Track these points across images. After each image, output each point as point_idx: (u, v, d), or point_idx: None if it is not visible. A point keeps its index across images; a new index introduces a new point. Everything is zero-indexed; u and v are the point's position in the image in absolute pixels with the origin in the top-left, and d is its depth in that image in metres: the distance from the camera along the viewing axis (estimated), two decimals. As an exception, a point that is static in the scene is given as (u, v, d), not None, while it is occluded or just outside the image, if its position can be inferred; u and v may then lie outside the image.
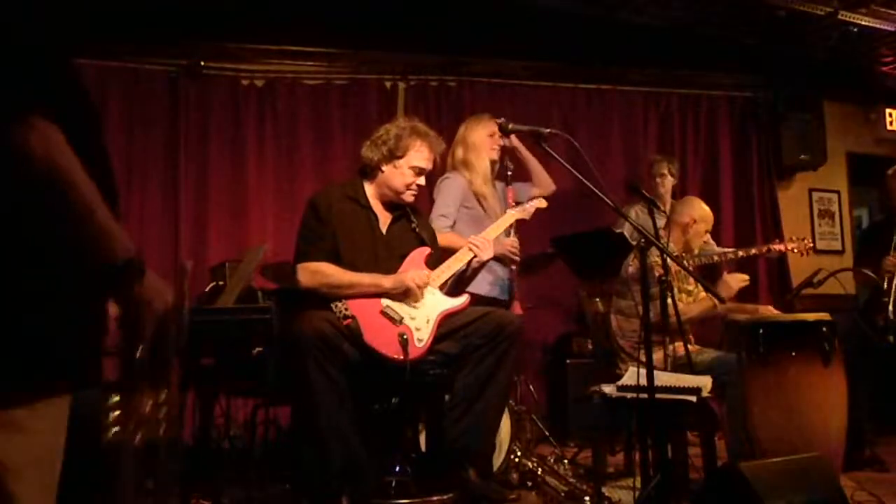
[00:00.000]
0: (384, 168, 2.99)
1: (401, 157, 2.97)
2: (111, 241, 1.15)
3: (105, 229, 1.13)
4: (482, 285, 3.46)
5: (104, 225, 1.12)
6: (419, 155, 2.99)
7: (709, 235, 3.83)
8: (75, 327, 1.13)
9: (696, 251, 3.69)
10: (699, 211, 3.68)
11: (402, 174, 2.98)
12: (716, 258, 3.85)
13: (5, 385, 1.05)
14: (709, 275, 4.17)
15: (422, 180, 3.03)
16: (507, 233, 3.45)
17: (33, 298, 1.07)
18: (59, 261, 1.12)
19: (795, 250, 3.96)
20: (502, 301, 3.56)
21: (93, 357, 1.18)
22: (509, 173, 3.62)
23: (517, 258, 3.55)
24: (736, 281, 3.53)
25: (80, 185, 1.07)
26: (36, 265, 1.09)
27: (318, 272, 2.84)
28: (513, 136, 3.69)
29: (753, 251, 3.92)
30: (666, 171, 4.65)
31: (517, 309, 3.58)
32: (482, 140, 3.66)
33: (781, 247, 3.95)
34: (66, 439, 1.16)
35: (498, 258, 3.42)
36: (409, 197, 3.02)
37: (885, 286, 3.72)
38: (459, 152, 3.69)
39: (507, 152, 3.78)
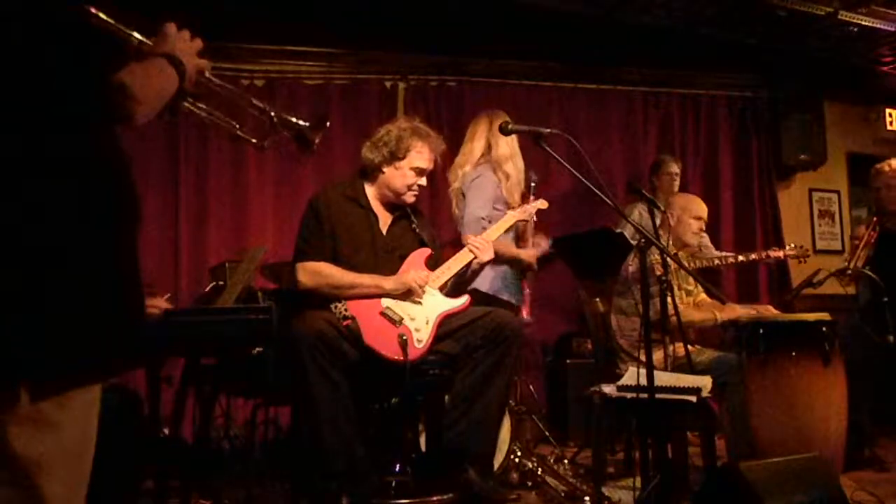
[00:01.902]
0: (385, 169, 2.99)
1: (402, 159, 2.97)
2: (172, 89, 1.33)
3: (169, 88, 1.31)
4: (485, 282, 3.45)
5: (168, 86, 1.31)
6: (420, 156, 2.98)
7: (707, 238, 3.81)
8: (105, 310, 1.08)
9: (696, 244, 3.68)
10: (680, 202, 3.69)
11: (404, 175, 2.98)
12: (716, 262, 3.85)
13: (31, 378, 1.02)
14: (708, 278, 4.17)
15: (423, 180, 3.03)
16: (520, 238, 3.45)
17: (59, 280, 1.03)
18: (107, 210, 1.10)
19: (794, 257, 3.96)
20: (506, 303, 3.52)
21: (126, 343, 1.12)
22: (533, 184, 3.52)
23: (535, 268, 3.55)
24: (742, 308, 3.55)
25: (144, 88, 1.22)
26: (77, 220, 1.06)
27: (318, 272, 2.84)
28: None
29: (753, 256, 3.92)
30: (678, 170, 4.68)
31: (524, 314, 3.58)
32: (517, 153, 3.57)
33: (780, 254, 3.95)
34: (97, 432, 1.13)
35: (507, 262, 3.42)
36: (410, 197, 3.02)
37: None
38: (504, 148, 3.55)
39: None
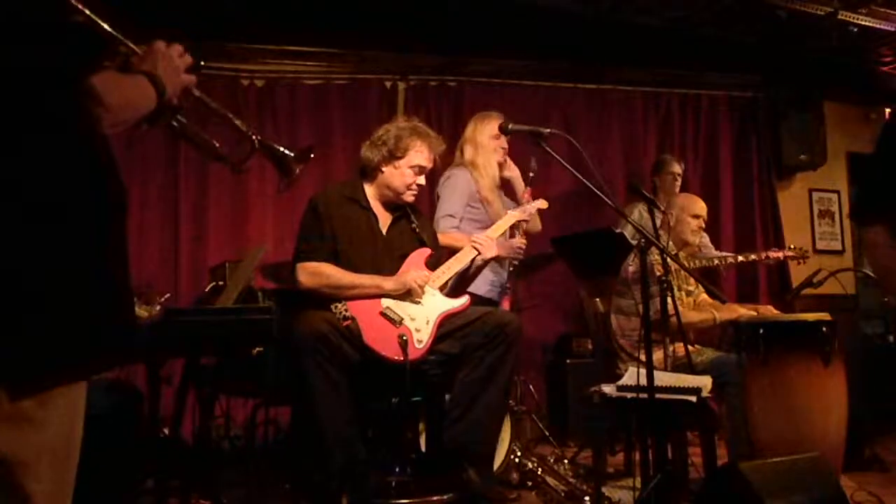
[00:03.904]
0: (384, 169, 2.99)
1: (401, 158, 2.97)
2: (148, 104, 1.32)
3: (142, 105, 1.30)
4: (481, 286, 3.46)
5: (142, 102, 1.30)
6: (419, 155, 2.98)
7: (707, 238, 3.80)
8: (86, 307, 1.05)
9: (696, 243, 3.68)
10: (679, 201, 3.70)
11: (403, 174, 2.98)
12: (716, 262, 3.85)
13: (11, 375, 1.00)
14: (708, 278, 4.17)
15: (422, 179, 3.03)
16: (510, 234, 3.44)
17: (37, 278, 1.01)
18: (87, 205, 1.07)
19: (793, 258, 3.96)
20: (496, 302, 3.56)
21: (110, 340, 1.09)
22: (532, 174, 3.56)
23: (520, 257, 3.55)
24: (745, 308, 3.54)
25: (124, 102, 1.22)
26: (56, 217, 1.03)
27: (318, 273, 2.84)
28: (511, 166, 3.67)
29: (753, 257, 3.93)
30: (680, 170, 4.68)
31: (505, 307, 3.60)
32: (489, 142, 3.61)
33: (780, 255, 3.95)
34: (83, 430, 1.11)
35: (497, 258, 3.42)
36: (409, 197, 3.02)
37: None
38: (469, 152, 3.64)
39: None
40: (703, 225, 3.69)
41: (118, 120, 1.22)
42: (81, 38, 1.21)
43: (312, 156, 1.79)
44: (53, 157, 1.05)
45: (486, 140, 3.61)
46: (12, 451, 1.02)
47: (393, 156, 2.97)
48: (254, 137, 1.65)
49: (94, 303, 1.07)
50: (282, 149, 1.73)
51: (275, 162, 1.73)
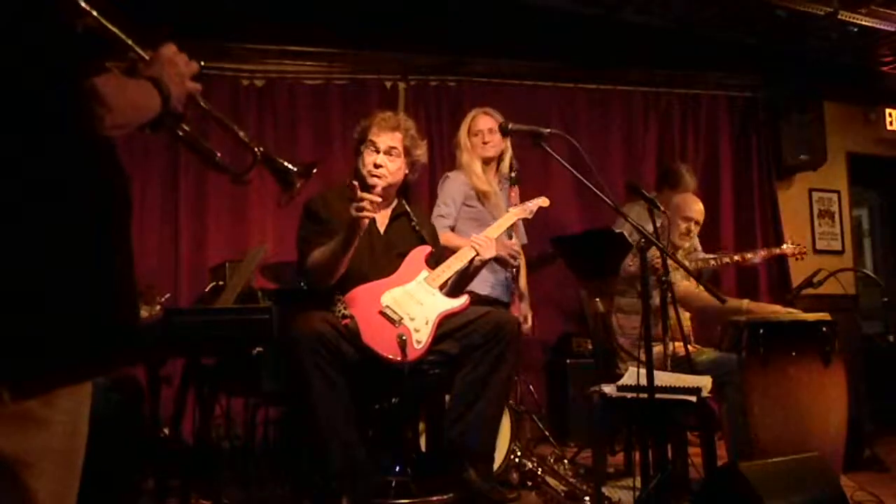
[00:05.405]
0: (358, 161, 3.01)
1: (363, 142, 3.00)
2: (151, 109, 1.31)
3: (146, 108, 1.30)
4: (483, 285, 3.47)
5: (145, 106, 1.29)
6: (372, 132, 2.99)
7: (696, 240, 3.76)
8: (90, 308, 1.04)
9: (684, 246, 3.65)
10: (674, 201, 3.65)
11: (364, 158, 2.98)
12: (713, 262, 3.83)
13: (14, 374, 0.99)
14: (711, 279, 4.16)
15: (381, 158, 2.95)
16: (508, 234, 3.45)
17: (40, 278, 1.00)
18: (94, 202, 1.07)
19: (791, 254, 3.95)
20: (503, 303, 3.56)
21: (114, 341, 1.08)
22: (513, 174, 3.61)
23: (516, 262, 3.55)
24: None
25: (124, 105, 1.21)
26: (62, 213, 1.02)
27: (312, 269, 2.84)
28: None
29: (749, 255, 3.90)
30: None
31: (517, 310, 3.59)
32: (466, 140, 3.71)
33: (776, 251, 3.94)
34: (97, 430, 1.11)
35: (497, 260, 3.41)
36: (372, 180, 2.94)
37: None
38: (457, 155, 3.77)
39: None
40: (693, 228, 3.61)
41: (120, 122, 1.21)
42: (85, 37, 1.21)
43: (315, 171, 1.77)
44: (54, 157, 1.04)
45: (464, 139, 3.72)
46: (17, 451, 1.02)
47: (359, 144, 3.01)
48: (256, 150, 1.64)
49: (97, 302, 1.06)
50: (285, 163, 1.71)
51: (276, 175, 1.71)
